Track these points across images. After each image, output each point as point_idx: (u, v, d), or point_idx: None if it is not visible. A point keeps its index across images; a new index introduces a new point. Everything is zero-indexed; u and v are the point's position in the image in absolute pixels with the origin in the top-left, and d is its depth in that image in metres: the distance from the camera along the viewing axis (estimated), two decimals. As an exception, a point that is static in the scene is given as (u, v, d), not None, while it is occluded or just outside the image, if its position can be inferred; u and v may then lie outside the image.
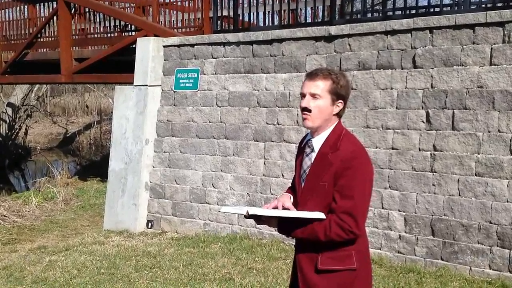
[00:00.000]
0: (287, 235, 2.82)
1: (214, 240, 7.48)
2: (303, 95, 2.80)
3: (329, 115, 2.77)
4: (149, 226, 8.51)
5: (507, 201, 5.73)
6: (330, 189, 2.68)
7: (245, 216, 2.73)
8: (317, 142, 2.81)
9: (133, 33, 10.07)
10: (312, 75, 2.78)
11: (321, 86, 2.74)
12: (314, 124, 2.78)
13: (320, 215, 2.68)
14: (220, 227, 7.88)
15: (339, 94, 2.76)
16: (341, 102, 2.78)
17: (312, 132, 2.85)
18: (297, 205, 2.85)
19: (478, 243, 5.90)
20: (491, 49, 5.89)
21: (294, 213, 2.74)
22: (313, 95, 2.75)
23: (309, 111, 2.75)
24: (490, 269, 5.81)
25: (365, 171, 2.69)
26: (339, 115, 2.83)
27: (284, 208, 2.82)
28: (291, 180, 3.36)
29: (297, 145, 3.11)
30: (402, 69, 6.49)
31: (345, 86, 2.78)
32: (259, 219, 2.80)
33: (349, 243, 2.69)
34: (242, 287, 5.68)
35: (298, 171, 2.91)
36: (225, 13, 8.93)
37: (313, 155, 2.81)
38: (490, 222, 5.82)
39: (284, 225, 2.78)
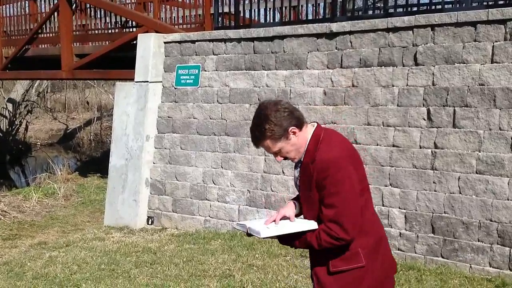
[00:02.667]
0: (289, 246, 2.92)
1: (215, 237, 7.48)
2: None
3: (296, 144, 2.83)
4: (150, 223, 8.52)
5: (508, 199, 5.73)
6: (316, 196, 2.78)
7: (246, 234, 2.87)
8: (303, 154, 2.87)
9: (134, 29, 10.06)
10: (255, 143, 2.89)
11: (269, 145, 2.83)
12: (298, 157, 2.88)
13: (312, 225, 2.77)
14: (220, 223, 7.89)
15: (282, 131, 2.78)
16: (292, 128, 2.80)
17: None
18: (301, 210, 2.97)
19: (479, 241, 5.90)
20: (493, 46, 5.88)
21: (285, 230, 2.80)
22: (275, 153, 2.88)
23: (286, 158, 2.89)
24: (490, 266, 5.81)
25: (341, 175, 2.71)
26: (301, 129, 2.84)
27: (284, 218, 2.87)
28: (291, 177, 3.40)
29: None
30: (403, 66, 6.48)
31: (279, 118, 2.78)
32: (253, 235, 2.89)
33: (353, 242, 2.76)
34: (242, 284, 5.68)
35: (294, 179, 3.04)
36: (226, 9, 8.92)
37: (299, 166, 2.90)
38: (491, 220, 5.82)
39: (283, 239, 2.87)
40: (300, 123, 2.84)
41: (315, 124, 2.92)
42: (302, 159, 2.87)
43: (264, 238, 2.85)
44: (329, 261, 2.81)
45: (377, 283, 2.87)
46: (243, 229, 2.86)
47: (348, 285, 2.80)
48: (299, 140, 2.83)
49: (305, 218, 2.89)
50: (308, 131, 2.88)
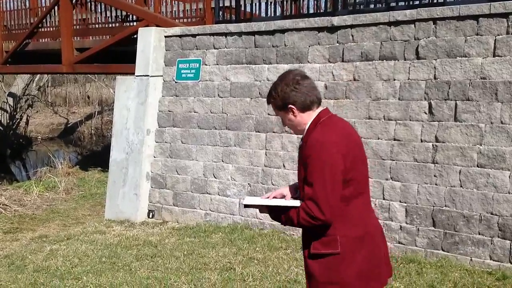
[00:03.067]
0: (276, 220, 3.01)
1: (215, 230, 7.49)
2: None
3: (294, 121, 2.95)
4: (150, 216, 8.53)
5: (509, 193, 5.73)
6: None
7: (244, 206, 3.12)
8: (301, 136, 3.01)
9: (135, 23, 10.04)
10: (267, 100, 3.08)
11: (273, 109, 3.05)
12: (296, 132, 3.05)
13: (294, 203, 2.85)
14: (221, 217, 7.90)
15: (283, 104, 2.93)
16: (290, 106, 2.91)
17: None
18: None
19: (479, 234, 5.90)
20: (495, 40, 5.87)
21: (272, 202, 2.95)
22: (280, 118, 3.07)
23: (285, 125, 3.08)
24: (490, 259, 5.82)
25: (323, 157, 2.75)
26: (304, 111, 2.93)
27: (282, 196, 3.03)
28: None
29: (299, 136, 3.37)
30: (405, 60, 6.47)
31: (284, 91, 2.91)
32: (259, 209, 3.10)
33: (335, 228, 2.81)
34: (243, 277, 5.69)
35: None
36: (227, 3, 8.89)
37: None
38: (491, 213, 5.82)
39: (273, 213, 2.97)
40: (304, 106, 2.91)
41: (322, 109, 2.97)
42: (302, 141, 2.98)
43: (247, 205, 3.09)
44: (311, 243, 2.89)
45: (359, 276, 2.85)
46: (242, 201, 3.21)
47: (326, 270, 2.85)
48: (297, 119, 2.94)
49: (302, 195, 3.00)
50: (312, 114, 2.94)
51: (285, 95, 2.90)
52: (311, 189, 2.75)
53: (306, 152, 2.82)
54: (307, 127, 2.93)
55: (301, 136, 3.03)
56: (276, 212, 2.93)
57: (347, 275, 2.83)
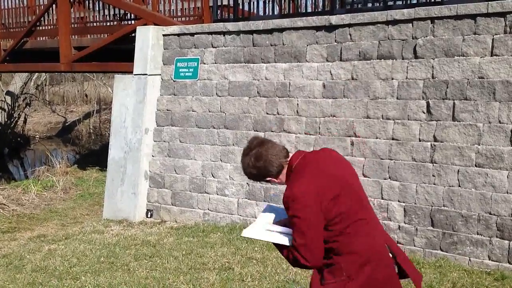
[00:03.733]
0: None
1: (214, 230, 7.49)
2: None
3: (280, 182, 3.09)
4: (149, 216, 8.52)
5: (507, 192, 5.73)
6: None
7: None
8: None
9: (133, 21, 10.02)
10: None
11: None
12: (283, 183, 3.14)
13: (284, 241, 2.99)
14: (219, 216, 7.89)
15: (261, 179, 3.10)
16: (267, 179, 3.08)
17: None
18: None
19: (478, 234, 5.90)
20: (493, 39, 5.86)
21: (268, 239, 3.06)
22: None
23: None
24: (489, 260, 5.82)
25: (295, 211, 2.89)
26: (279, 173, 3.06)
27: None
28: None
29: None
30: (403, 59, 6.47)
31: (252, 173, 3.07)
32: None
33: (339, 256, 2.92)
34: (241, 277, 5.69)
35: None
36: (225, 2, 8.88)
37: None
38: (490, 213, 5.83)
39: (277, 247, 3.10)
40: (277, 172, 3.06)
41: (291, 155, 3.09)
42: None
43: (245, 237, 3.14)
44: (322, 271, 2.98)
45: None
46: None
47: None
48: (281, 180, 3.09)
49: None
50: (286, 167, 3.07)
51: (255, 176, 3.08)
52: (293, 239, 2.91)
53: (284, 206, 2.95)
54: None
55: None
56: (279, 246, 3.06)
57: None
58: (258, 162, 3.01)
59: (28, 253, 6.86)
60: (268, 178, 3.07)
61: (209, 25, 8.23)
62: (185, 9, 9.74)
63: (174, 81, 8.46)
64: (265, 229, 3.08)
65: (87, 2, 10.99)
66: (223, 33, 7.98)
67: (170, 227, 7.97)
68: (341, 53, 6.93)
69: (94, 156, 17.37)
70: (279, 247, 3.03)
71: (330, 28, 7.01)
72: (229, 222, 7.76)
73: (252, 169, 3.04)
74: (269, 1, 8.17)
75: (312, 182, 2.92)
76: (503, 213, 5.74)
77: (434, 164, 6.20)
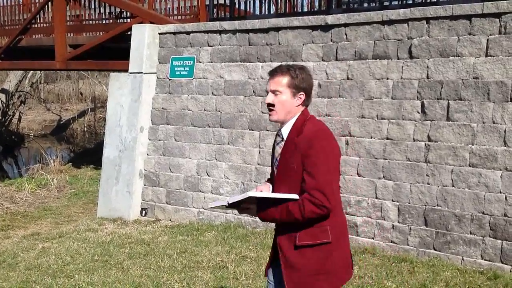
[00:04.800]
0: (266, 220, 2.98)
1: (208, 229, 7.49)
2: (267, 92, 3.04)
3: (291, 107, 2.99)
4: (143, 214, 8.51)
5: (500, 192, 5.75)
6: (299, 170, 2.88)
7: (226, 207, 2.97)
8: (285, 130, 3.03)
9: (129, 20, 10.01)
10: (272, 73, 3.03)
11: (281, 81, 2.97)
12: (279, 117, 3.01)
13: (293, 196, 2.84)
14: (214, 215, 7.89)
15: (299, 87, 2.97)
16: (303, 94, 3.00)
17: (280, 124, 3.07)
18: (274, 188, 3.07)
19: (471, 234, 5.93)
20: (487, 40, 5.89)
21: (269, 194, 2.90)
22: (274, 91, 2.99)
23: (273, 106, 2.99)
24: (482, 259, 5.85)
25: (326, 147, 2.87)
26: (304, 105, 3.05)
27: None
28: None
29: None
30: (398, 59, 6.49)
31: (305, 79, 3.00)
32: (240, 208, 3.00)
33: (323, 219, 2.88)
34: (235, 275, 5.69)
35: (271, 159, 3.15)
36: (221, 1, 8.88)
37: (283, 143, 3.03)
38: (483, 213, 5.85)
39: (263, 210, 2.93)
40: (306, 103, 3.05)
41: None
42: (286, 137, 3.00)
43: (245, 201, 2.90)
44: (295, 235, 2.91)
45: (343, 263, 2.99)
46: (223, 202, 2.97)
47: (317, 260, 2.90)
48: (294, 107, 2.99)
49: (278, 191, 2.98)
50: (299, 111, 3.03)
51: (304, 81, 2.98)
52: (317, 179, 2.80)
53: (305, 144, 2.85)
54: (293, 120, 3.00)
55: (279, 128, 3.09)
56: (267, 209, 2.90)
57: (335, 263, 2.93)
58: (301, 72, 2.99)
59: (22, 251, 6.85)
60: (302, 93, 2.98)
61: (205, 24, 8.23)
62: (181, 7, 9.74)
63: (169, 79, 8.45)
64: (250, 194, 2.87)
65: (82, 0, 10.97)
66: (219, 32, 7.98)
67: (165, 225, 7.97)
68: (336, 52, 6.94)
69: (89, 154, 17.34)
70: (276, 205, 2.86)
71: (326, 27, 7.02)
72: (223, 221, 7.76)
73: (310, 78, 3.02)
74: (265, 1, 8.19)
75: (333, 136, 3.00)
76: (496, 212, 5.77)
77: (428, 164, 6.22)
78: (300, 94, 2.98)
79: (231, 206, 2.97)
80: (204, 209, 8.00)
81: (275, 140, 3.11)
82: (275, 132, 2.97)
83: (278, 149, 3.04)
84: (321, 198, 2.78)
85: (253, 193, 2.88)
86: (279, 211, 2.86)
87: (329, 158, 2.86)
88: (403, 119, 6.41)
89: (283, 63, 3.10)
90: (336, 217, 2.94)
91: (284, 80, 2.96)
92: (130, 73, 8.60)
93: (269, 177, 3.32)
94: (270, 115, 3.02)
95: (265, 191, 3.02)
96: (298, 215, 2.82)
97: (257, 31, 7.62)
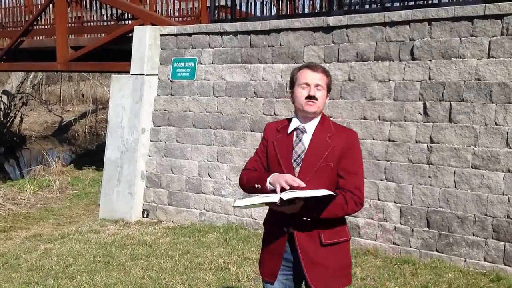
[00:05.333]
0: (306, 216, 2.93)
1: (210, 230, 7.49)
2: (307, 84, 3.02)
3: (324, 105, 3.09)
4: (145, 215, 8.51)
5: (503, 194, 5.75)
6: (334, 169, 2.96)
7: (277, 205, 2.80)
8: (310, 127, 3.05)
9: (130, 21, 10.01)
10: (314, 68, 3.06)
11: (324, 79, 3.05)
12: (317, 110, 3.03)
13: (329, 192, 2.82)
14: (215, 217, 7.89)
15: (330, 88, 3.11)
16: (328, 95, 3.13)
17: (303, 118, 3.06)
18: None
19: (473, 235, 5.92)
20: (489, 41, 5.88)
21: (320, 192, 2.78)
22: (317, 86, 3.02)
23: (316, 99, 3.00)
24: (485, 261, 5.84)
25: (359, 148, 3.06)
26: None
27: (293, 188, 2.84)
28: None
29: (265, 128, 3.25)
30: (400, 60, 6.48)
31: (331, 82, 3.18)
32: (284, 205, 2.82)
33: (343, 217, 3.07)
34: (237, 277, 5.69)
35: (285, 155, 3.02)
36: (222, 2, 8.89)
37: (306, 139, 3.03)
38: (486, 215, 5.84)
39: (309, 207, 2.86)
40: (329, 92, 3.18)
41: None
42: (312, 133, 3.02)
43: (298, 198, 2.77)
44: (318, 234, 2.97)
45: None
46: (272, 199, 2.78)
47: (342, 256, 3.05)
48: (323, 104, 3.08)
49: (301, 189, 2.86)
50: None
51: (331, 84, 3.15)
52: (357, 178, 2.99)
53: (346, 144, 2.97)
54: (319, 117, 3.07)
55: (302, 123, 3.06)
56: (314, 203, 2.85)
57: (350, 258, 3.14)
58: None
59: (24, 252, 6.85)
60: (327, 89, 3.06)
61: (207, 26, 8.23)
62: (183, 9, 9.75)
63: (171, 81, 8.45)
64: (283, 195, 2.73)
65: (84, 1, 10.98)
66: (221, 34, 7.99)
67: (167, 227, 7.97)
68: (338, 54, 6.94)
69: (90, 155, 17.34)
70: (320, 205, 2.84)
71: (328, 29, 7.02)
72: (225, 222, 7.75)
73: (328, 72, 3.11)
74: (266, 2, 8.19)
75: None
76: (498, 214, 5.76)
77: (431, 165, 6.21)
78: (328, 95, 3.11)
79: (283, 203, 2.78)
80: (206, 210, 8.01)
81: (289, 135, 3.06)
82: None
83: (301, 146, 3.02)
84: (360, 196, 2.95)
85: (309, 193, 2.77)
86: (323, 207, 2.90)
87: (362, 161, 3.09)
88: (405, 121, 6.41)
89: (313, 62, 3.22)
90: (345, 218, 3.13)
91: (325, 78, 3.05)
92: (132, 74, 8.61)
93: (253, 169, 3.24)
94: (310, 105, 2.99)
95: (297, 180, 2.86)
96: (340, 212, 2.93)
97: (258, 33, 7.62)
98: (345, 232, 3.06)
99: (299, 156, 3.00)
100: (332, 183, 2.97)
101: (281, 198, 2.74)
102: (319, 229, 2.95)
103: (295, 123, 3.08)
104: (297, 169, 2.98)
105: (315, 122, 3.05)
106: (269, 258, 3.11)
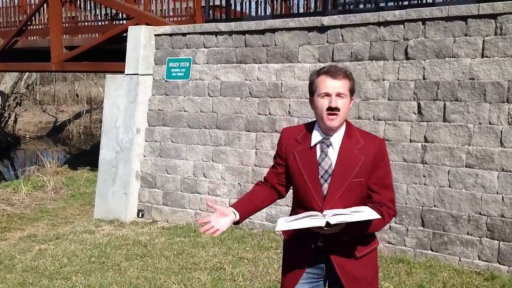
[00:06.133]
0: (347, 236, 2.77)
1: (205, 230, 7.46)
2: (327, 95, 2.73)
3: (348, 111, 2.81)
4: (140, 216, 8.50)
5: (497, 193, 5.77)
6: (365, 183, 2.80)
7: (322, 228, 2.65)
8: (336, 139, 2.81)
9: (124, 21, 10.00)
10: (334, 75, 2.74)
11: (346, 84, 2.75)
12: (340, 123, 2.78)
13: (377, 216, 2.68)
14: (211, 216, 7.87)
15: (353, 91, 2.82)
16: (353, 99, 2.86)
17: (328, 130, 2.80)
18: (322, 203, 2.80)
19: (468, 234, 5.94)
20: (483, 41, 5.91)
21: (366, 215, 2.66)
22: (339, 94, 2.73)
23: (338, 109, 2.72)
24: (479, 260, 5.86)
25: (388, 158, 2.93)
26: None
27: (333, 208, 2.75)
28: None
29: (282, 136, 2.99)
30: (394, 60, 6.50)
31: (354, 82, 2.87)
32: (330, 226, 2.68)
33: None
34: (233, 276, 5.69)
35: (310, 170, 2.81)
36: (217, 2, 8.88)
37: (332, 153, 2.79)
38: (480, 214, 5.87)
39: (351, 227, 2.70)
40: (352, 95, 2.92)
41: None
42: (339, 146, 2.79)
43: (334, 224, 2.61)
44: (354, 248, 2.82)
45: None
46: (317, 223, 2.62)
47: (374, 264, 2.96)
48: (346, 113, 2.79)
49: (332, 206, 2.74)
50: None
51: (355, 85, 2.87)
52: (391, 191, 2.86)
53: (376, 156, 2.78)
54: (344, 127, 2.82)
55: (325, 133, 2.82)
56: (352, 226, 2.68)
57: (377, 262, 3.05)
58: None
59: (19, 253, 6.83)
60: (350, 94, 2.77)
61: (201, 25, 8.23)
62: (177, 9, 9.74)
63: (166, 81, 8.45)
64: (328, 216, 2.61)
65: (78, 1, 10.95)
66: (215, 34, 7.98)
67: (162, 227, 7.96)
68: (333, 54, 6.95)
69: (85, 156, 17.31)
70: (362, 223, 2.68)
71: (322, 29, 7.03)
72: (220, 222, 7.74)
73: (350, 73, 2.80)
74: (261, 2, 8.19)
75: None
76: (493, 213, 5.78)
77: (425, 165, 6.23)
78: (352, 99, 2.83)
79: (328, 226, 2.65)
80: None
81: (312, 148, 2.82)
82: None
83: (328, 160, 2.79)
84: (394, 209, 2.84)
85: (357, 216, 2.62)
86: (365, 227, 2.75)
87: (391, 170, 2.95)
88: (399, 120, 6.42)
89: (334, 65, 2.81)
90: None
91: (348, 83, 2.76)
92: (126, 74, 8.59)
93: (264, 181, 3.04)
94: (332, 120, 2.73)
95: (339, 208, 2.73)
96: (378, 228, 2.84)
97: (253, 33, 7.62)
98: (375, 240, 2.94)
99: (326, 171, 2.78)
100: (363, 197, 2.81)
101: (327, 222, 2.61)
102: (352, 242, 2.81)
103: (318, 135, 2.82)
104: (325, 186, 2.78)
105: (340, 133, 2.80)
106: (290, 276, 2.93)
